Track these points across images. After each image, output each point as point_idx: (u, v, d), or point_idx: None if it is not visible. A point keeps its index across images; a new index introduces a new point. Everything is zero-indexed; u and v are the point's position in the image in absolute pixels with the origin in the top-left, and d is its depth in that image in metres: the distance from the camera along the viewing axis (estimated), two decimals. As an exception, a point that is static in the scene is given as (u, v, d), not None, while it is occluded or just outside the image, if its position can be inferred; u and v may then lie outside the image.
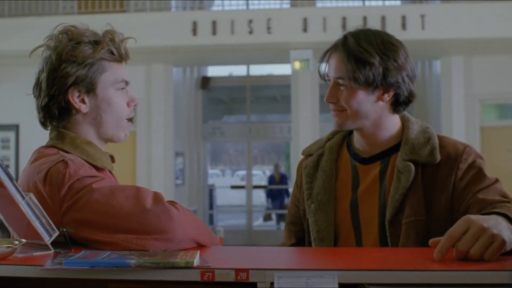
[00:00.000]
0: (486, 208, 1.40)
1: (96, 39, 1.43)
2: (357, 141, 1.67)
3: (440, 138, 1.61)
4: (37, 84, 1.45)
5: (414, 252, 1.32)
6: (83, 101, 1.43)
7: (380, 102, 1.58)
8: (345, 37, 1.60)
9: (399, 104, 1.61)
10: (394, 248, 1.53)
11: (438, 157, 1.55)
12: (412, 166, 1.55)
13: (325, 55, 1.64)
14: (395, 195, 1.54)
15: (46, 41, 1.44)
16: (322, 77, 1.66)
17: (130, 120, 1.53)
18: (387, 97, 1.59)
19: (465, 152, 1.56)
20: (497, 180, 1.53)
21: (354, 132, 1.67)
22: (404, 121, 1.65)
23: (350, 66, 1.54)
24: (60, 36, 1.43)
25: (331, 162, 1.68)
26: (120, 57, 1.47)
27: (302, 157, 1.81)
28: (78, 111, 1.43)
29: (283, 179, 13.20)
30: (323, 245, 1.63)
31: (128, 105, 1.50)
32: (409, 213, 1.53)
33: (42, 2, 9.23)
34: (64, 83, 1.40)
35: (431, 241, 1.20)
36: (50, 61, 1.41)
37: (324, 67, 1.65)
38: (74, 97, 1.42)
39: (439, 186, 1.55)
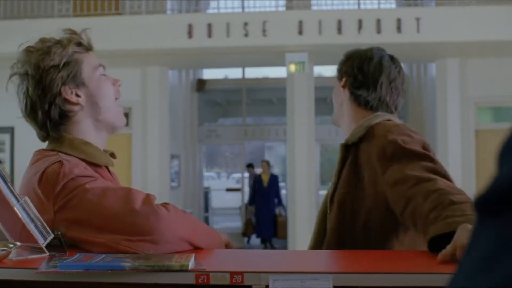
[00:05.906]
0: (406, 183, 1.45)
1: (59, 39, 1.49)
2: None
3: (377, 124, 1.71)
4: (27, 105, 1.47)
5: (409, 255, 1.32)
6: (77, 95, 1.48)
7: None
8: None
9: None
10: (389, 251, 1.53)
11: (358, 136, 1.69)
12: (342, 147, 1.73)
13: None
14: (334, 175, 1.76)
15: (13, 69, 1.52)
16: None
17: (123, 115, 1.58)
18: None
19: (389, 131, 1.64)
20: (423, 156, 1.53)
21: None
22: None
23: None
24: (26, 55, 1.48)
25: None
26: (89, 46, 1.53)
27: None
28: (76, 104, 1.48)
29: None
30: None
31: (113, 85, 1.56)
32: (341, 186, 1.71)
33: (38, 4, 9.21)
34: (54, 86, 1.45)
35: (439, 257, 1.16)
36: (31, 76, 1.46)
37: None
38: (69, 94, 1.47)
39: (364, 163, 1.67)
